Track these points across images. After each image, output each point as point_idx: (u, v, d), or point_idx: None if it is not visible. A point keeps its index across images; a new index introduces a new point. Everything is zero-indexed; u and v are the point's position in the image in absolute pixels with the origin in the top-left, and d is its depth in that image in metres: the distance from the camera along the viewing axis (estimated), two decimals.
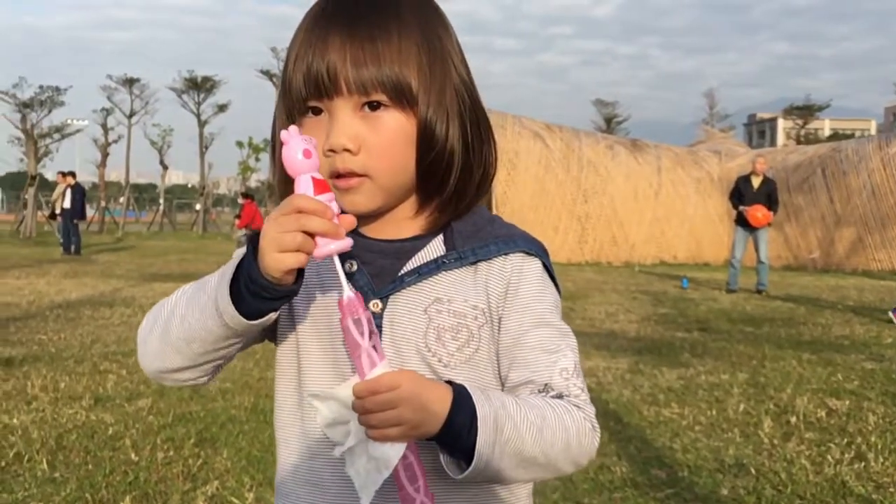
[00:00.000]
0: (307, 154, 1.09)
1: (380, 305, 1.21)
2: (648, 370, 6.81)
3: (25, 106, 38.68)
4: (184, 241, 33.12)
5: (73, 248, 22.22)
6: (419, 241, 1.26)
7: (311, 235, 1.06)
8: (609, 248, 22.80)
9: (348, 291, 1.10)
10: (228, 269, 1.13)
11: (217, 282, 1.13)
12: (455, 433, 1.09)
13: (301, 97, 1.19)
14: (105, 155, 47.90)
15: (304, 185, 1.09)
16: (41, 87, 39.57)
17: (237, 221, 24.72)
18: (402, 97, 1.17)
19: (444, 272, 1.23)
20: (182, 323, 1.17)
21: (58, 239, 24.08)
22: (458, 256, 1.24)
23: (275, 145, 1.28)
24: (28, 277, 14.51)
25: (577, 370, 1.25)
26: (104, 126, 47.47)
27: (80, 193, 23.39)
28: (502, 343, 1.24)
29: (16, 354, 7.04)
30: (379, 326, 1.20)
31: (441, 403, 1.08)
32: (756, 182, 14.04)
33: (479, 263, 1.24)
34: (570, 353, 1.25)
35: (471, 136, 1.24)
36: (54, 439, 4.58)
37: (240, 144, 54.03)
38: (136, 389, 5.83)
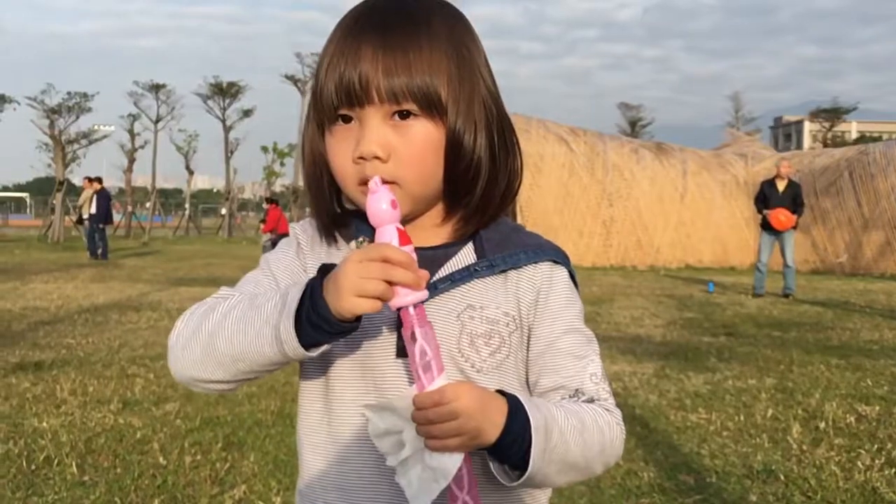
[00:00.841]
0: (394, 205, 1.13)
1: None
2: (675, 375, 6.77)
3: (53, 112, 39.03)
4: (209, 246, 33.32)
5: (100, 252, 22.42)
6: (449, 249, 1.29)
7: (391, 284, 1.08)
8: (634, 252, 22.69)
9: (411, 306, 1.11)
10: (291, 300, 1.12)
11: (278, 310, 1.13)
12: (510, 443, 1.11)
13: (332, 105, 1.21)
14: (132, 160, 48.28)
15: (388, 235, 1.12)
16: (69, 93, 39.91)
17: (262, 226, 24.87)
18: (431, 106, 1.19)
19: (476, 279, 1.26)
20: (231, 341, 1.17)
21: (85, 244, 24.29)
22: (490, 264, 1.27)
23: (304, 150, 1.31)
24: (56, 282, 14.65)
25: (604, 374, 1.30)
26: (131, 132, 47.86)
27: (105, 199, 23.60)
28: (533, 349, 1.28)
29: (45, 358, 7.11)
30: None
31: (499, 414, 1.11)
32: (781, 185, 13.94)
33: (508, 271, 1.28)
34: (596, 358, 1.30)
35: (497, 146, 1.27)
36: (83, 443, 4.62)
37: (264, 149, 54.31)
38: (164, 393, 5.87)
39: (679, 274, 20.27)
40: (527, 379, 1.29)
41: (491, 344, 1.24)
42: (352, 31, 1.21)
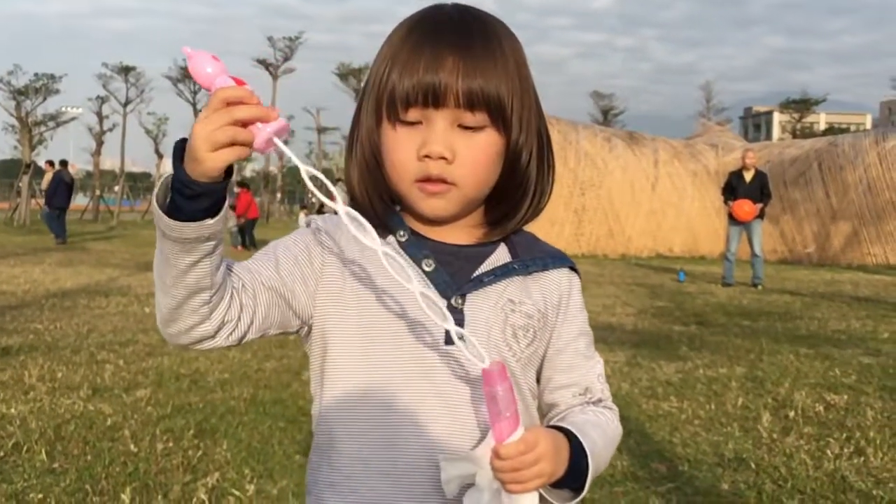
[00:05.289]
0: (216, 59, 1.12)
1: (461, 301, 1.31)
2: (646, 363, 6.81)
3: (20, 93, 38.50)
4: None
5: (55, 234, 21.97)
6: (487, 248, 1.38)
7: (245, 127, 1.09)
8: (606, 240, 22.81)
9: (487, 363, 1.18)
10: (161, 190, 1.17)
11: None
12: (574, 473, 1.25)
13: (406, 103, 1.26)
14: (100, 143, 47.73)
15: (222, 83, 1.10)
16: (36, 74, 39.39)
17: (230, 211, 24.71)
18: (499, 116, 1.28)
19: (514, 277, 1.36)
20: (155, 267, 1.24)
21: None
22: (525, 265, 1.38)
23: (357, 142, 1.36)
24: (23, 266, 14.46)
25: (604, 373, 1.46)
26: (99, 114, 47.30)
27: (55, 181, 22.93)
28: (553, 347, 1.40)
29: (12, 343, 7.01)
30: (461, 321, 1.29)
31: (565, 451, 1.24)
32: (748, 176, 14.07)
33: (535, 273, 1.39)
34: (600, 358, 1.46)
35: (542, 165, 1.39)
36: (53, 430, 4.57)
37: None
38: (134, 380, 5.82)
39: (650, 263, 20.40)
40: (537, 372, 1.41)
41: (527, 336, 1.34)
42: (431, 37, 1.28)
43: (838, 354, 7.41)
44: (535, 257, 1.40)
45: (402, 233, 1.35)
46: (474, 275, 1.33)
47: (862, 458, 4.35)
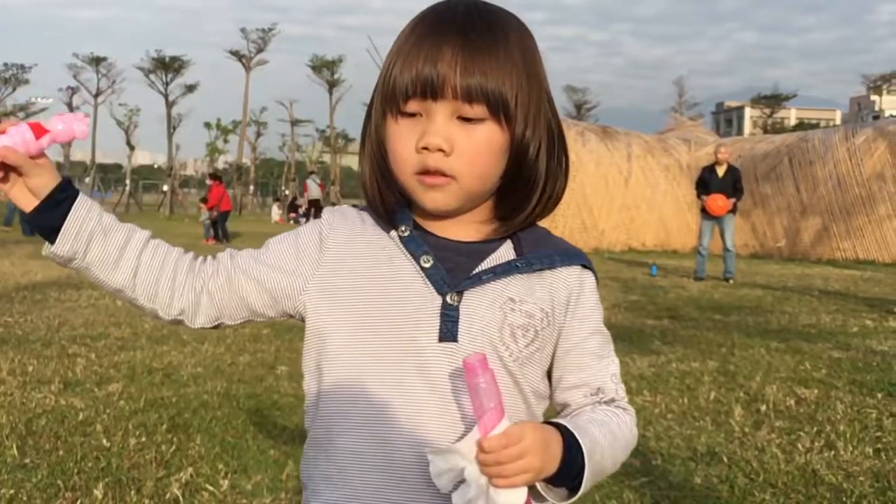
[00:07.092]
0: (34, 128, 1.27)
1: (457, 298, 1.30)
2: (620, 357, 6.57)
3: None
4: (150, 223, 32.62)
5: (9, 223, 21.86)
6: (490, 245, 1.36)
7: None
8: (579, 234, 22.87)
9: (471, 356, 1.18)
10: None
11: None
12: (567, 471, 1.23)
13: (405, 95, 1.27)
14: None
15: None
16: (5, 64, 39.08)
17: (201, 204, 24.56)
18: (499, 110, 1.27)
19: (516, 274, 1.34)
20: None
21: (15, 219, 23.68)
22: (528, 262, 1.35)
23: (367, 136, 1.38)
24: None
25: (619, 373, 1.43)
26: (70, 104, 46.89)
27: None
28: (561, 347, 1.37)
29: None
30: (456, 318, 1.29)
31: (557, 446, 1.22)
32: (721, 171, 14.17)
33: (543, 271, 1.36)
34: (615, 358, 1.43)
35: (552, 160, 1.36)
36: (24, 424, 4.52)
37: (208, 125, 53.61)
38: (106, 374, 5.77)
39: (623, 257, 20.51)
40: (548, 372, 1.39)
41: (527, 336, 1.32)
42: (433, 31, 1.28)
43: (809, 348, 7.49)
44: (542, 255, 1.36)
45: (404, 228, 1.35)
46: (474, 272, 1.32)
47: (832, 452, 4.40)
